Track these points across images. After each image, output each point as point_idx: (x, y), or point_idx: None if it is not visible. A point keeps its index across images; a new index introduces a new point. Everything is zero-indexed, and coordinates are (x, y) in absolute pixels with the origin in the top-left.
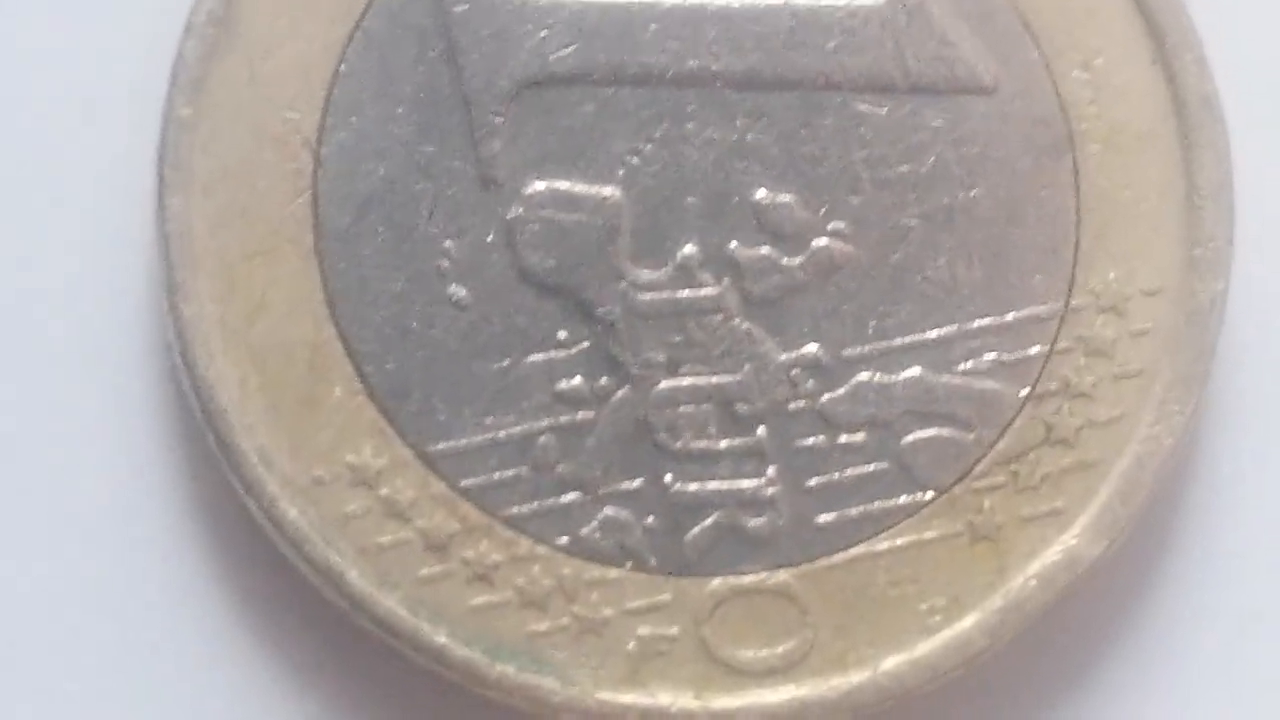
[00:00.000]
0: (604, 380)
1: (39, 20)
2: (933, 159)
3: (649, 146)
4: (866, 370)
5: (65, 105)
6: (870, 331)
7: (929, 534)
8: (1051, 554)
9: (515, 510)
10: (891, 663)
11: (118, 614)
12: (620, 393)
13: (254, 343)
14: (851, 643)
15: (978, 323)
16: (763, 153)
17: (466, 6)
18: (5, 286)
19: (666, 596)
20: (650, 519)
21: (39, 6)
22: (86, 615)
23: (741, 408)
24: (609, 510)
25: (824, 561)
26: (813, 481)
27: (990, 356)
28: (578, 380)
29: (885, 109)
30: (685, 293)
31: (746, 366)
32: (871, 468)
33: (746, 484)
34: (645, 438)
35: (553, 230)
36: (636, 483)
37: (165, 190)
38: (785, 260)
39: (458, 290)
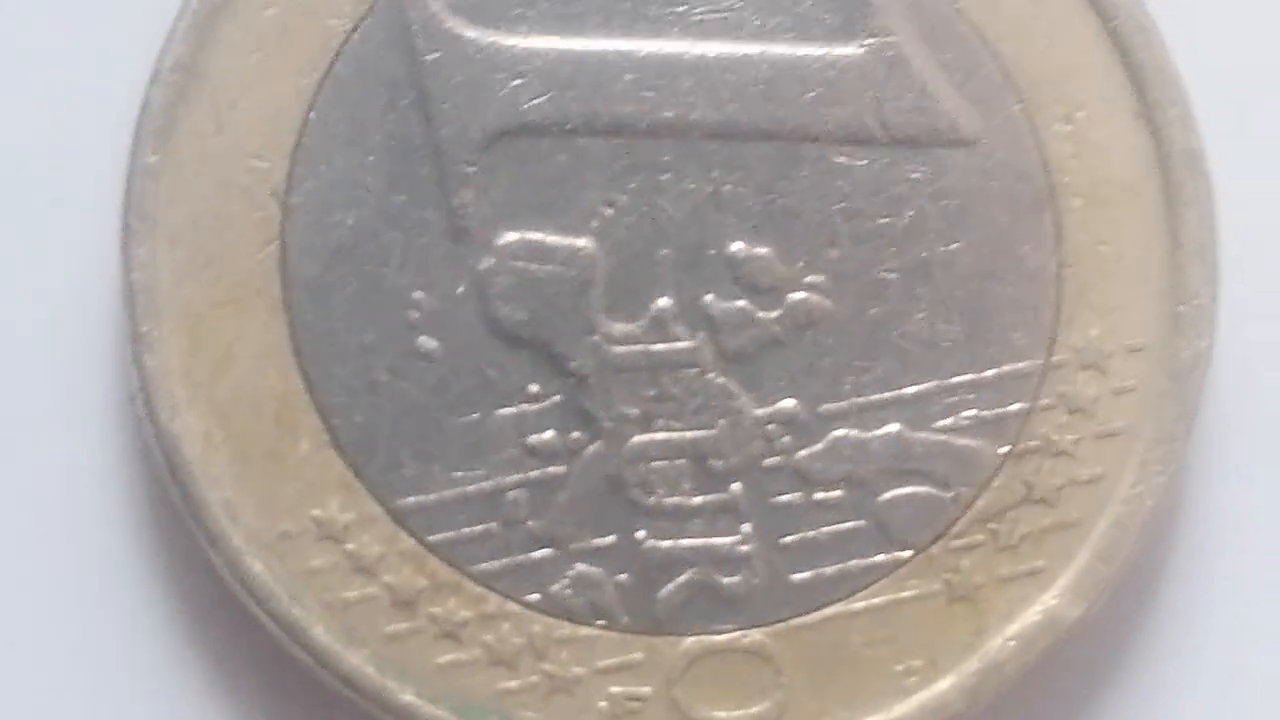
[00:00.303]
0: (576, 434)
1: (3, 66)
2: (912, 212)
3: (623, 197)
4: (843, 426)
5: (31, 152)
6: (847, 387)
7: (905, 593)
8: (1031, 615)
9: (485, 566)
10: None
11: (80, 668)
12: (592, 447)
13: (220, 395)
14: (826, 704)
15: (957, 379)
16: (739, 204)
17: (438, 54)
18: None
19: (638, 655)
20: (622, 576)
21: (3, 52)
22: (49, 669)
23: (716, 463)
24: (580, 567)
25: (799, 621)
26: (788, 539)
27: (969, 413)
28: (549, 434)
29: (864, 161)
30: (659, 346)
31: (721, 421)
32: (848, 525)
33: (720, 541)
34: (618, 493)
35: (525, 282)
36: (609, 539)
37: (130, 239)
38: (761, 314)
39: (428, 342)
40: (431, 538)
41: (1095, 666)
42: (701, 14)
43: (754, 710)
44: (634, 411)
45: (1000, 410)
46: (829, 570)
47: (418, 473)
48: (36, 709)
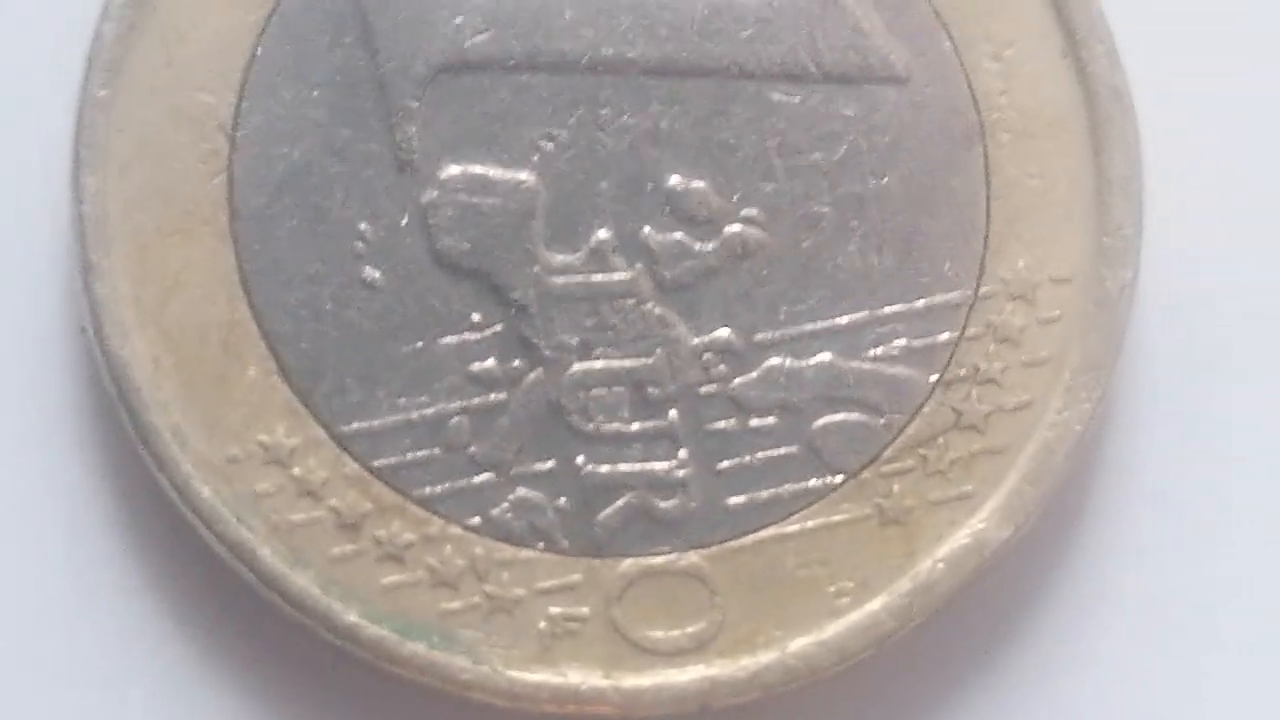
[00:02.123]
0: (517, 363)
1: None
2: (845, 147)
3: (563, 132)
4: (778, 355)
5: None
6: (782, 317)
7: (838, 517)
8: (960, 537)
9: (427, 490)
10: (800, 644)
11: (29, 592)
12: (533, 375)
13: (168, 322)
14: (760, 624)
15: (888, 309)
16: (677, 139)
17: None
18: None
19: (577, 577)
20: (562, 500)
21: None
22: None
23: (653, 391)
24: (521, 491)
25: (734, 543)
26: (723, 464)
27: (900, 343)
28: (490, 362)
29: (799, 97)
30: (598, 277)
31: (659, 350)
32: (782, 451)
33: (658, 466)
34: (558, 420)
35: (467, 214)
36: (548, 464)
37: (81, 170)
38: (698, 246)
39: (372, 272)
40: (376, 462)
41: (1023, 588)
42: None
43: (690, 630)
44: (573, 340)
45: (930, 339)
46: (763, 494)
47: (362, 399)
48: None
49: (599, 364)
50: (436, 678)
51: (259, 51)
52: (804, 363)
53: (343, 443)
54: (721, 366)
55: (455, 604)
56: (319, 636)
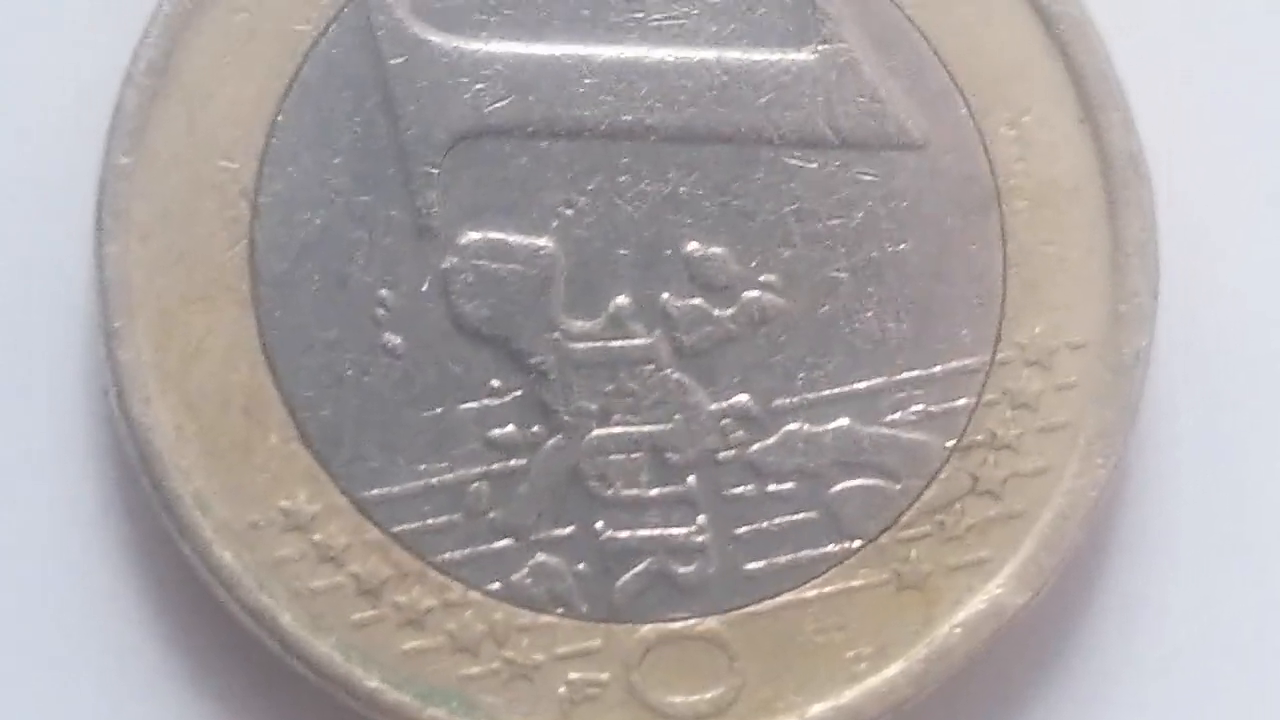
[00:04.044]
0: (536, 428)
1: None
2: (862, 213)
3: (583, 199)
4: (795, 421)
5: (7, 154)
6: (799, 383)
7: (856, 582)
8: (977, 603)
9: (448, 556)
10: (818, 710)
11: (51, 658)
12: (552, 441)
13: (190, 388)
14: (779, 689)
15: (905, 375)
16: (695, 205)
17: (403, 59)
18: None
19: (597, 642)
20: (581, 565)
21: None
22: (19, 659)
23: (672, 457)
24: (541, 557)
25: (752, 609)
26: (742, 530)
27: (917, 408)
28: (510, 428)
29: (816, 163)
30: (617, 343)
31: (677, 416)
32: (800, 517)
33: (677, 532)
34: (577, 485)
35: (487, 280)
36: (568, 530)
37: (104, 237)
38: (716, 312)
39: (392, 338)
40: (396, 528)
41: (1040, 653)
42: (659, 21)
43: (709, 696)
44: (593, 406)
45: (947, 405)
46: (782, 560)
47: (383, 465)
48: (5, 697)
49: (618, 430)
50: None
51: (280, 118)
52: (822, 428)
53: (363, 509)
54: (740, 432)
55: (475, 669)
56: (340, 702)
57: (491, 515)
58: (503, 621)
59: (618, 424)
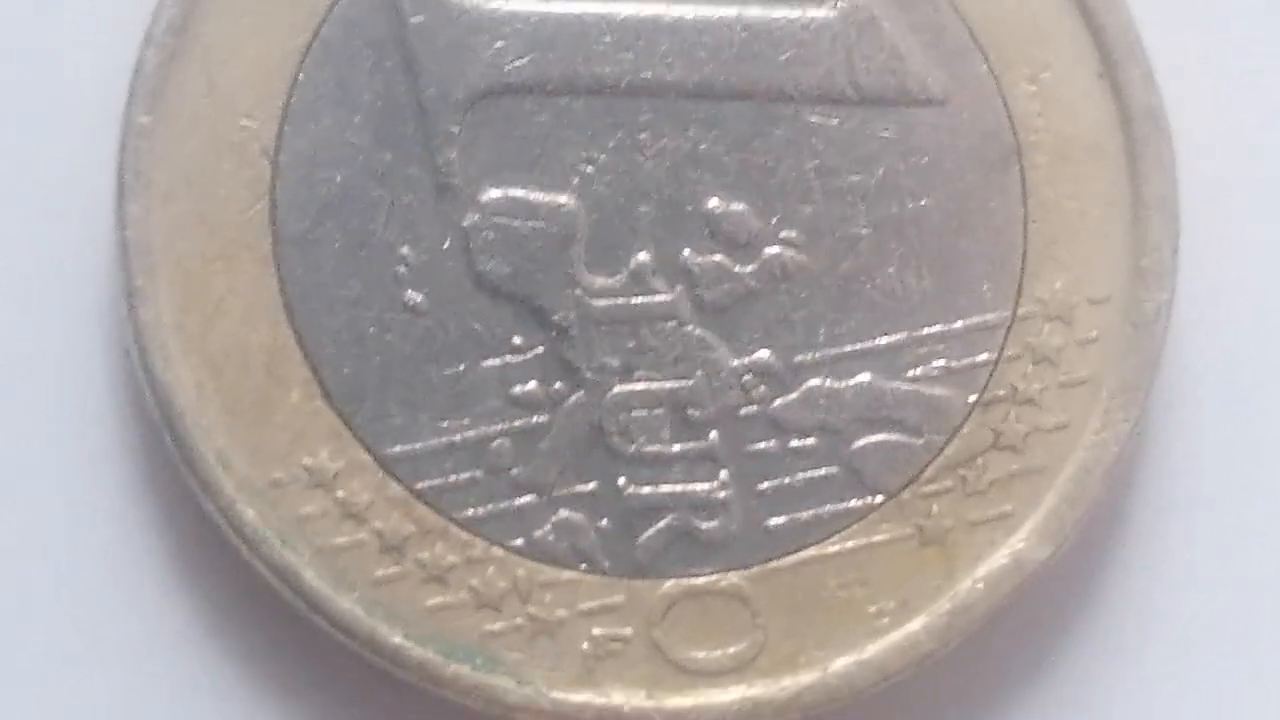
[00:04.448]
0: (558, 385)
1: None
2: (882, 170)
3: (603, 156)
4: (817, 376)
5: (26, 113)
6: (821, 338)
7: (878, 537)
8: (999, 558)
9: (470, 513)
10: (840, 664)
11: (75, 615)
12: (574, 397)
13: (211, 347)
14: (801, 644)
15: (927, 330)
16: (715, 162)
17: (423, 17)
18: None
19: (619, 598)
20: (604, 522)
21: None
22: (42, 615)
23: (694, 413)
24: (563, 513)
25: (775, 564)
26: (764, 485)
27: (939, 363)
28: (532, 385)
29: (836, 120)
30: (639, 299)
31: (699, 372)
32: (822, 472)
33: (699, 488)
34: (599, 442)
35: (508, 237)
36: (590, 486)
37: (124, 197)
38: (737, 268)
39: (414, 296)
40: (419, 485)
41: (1062, 608)
42: None
43: (732, 651)
44: (614, 362)
45: (969, 360)
46: (804, 515)
47: (405, 422)
48: (30, 655)
49: (640, 386)
50: (481, 699)
51: (301, 77)
52: (843, 384)
53: (386, 466)
54: (761, 388)
55: (498, 625)
56: (363, 659)
57: (514, 472)
58: (525, 578)
59: (639, 380)
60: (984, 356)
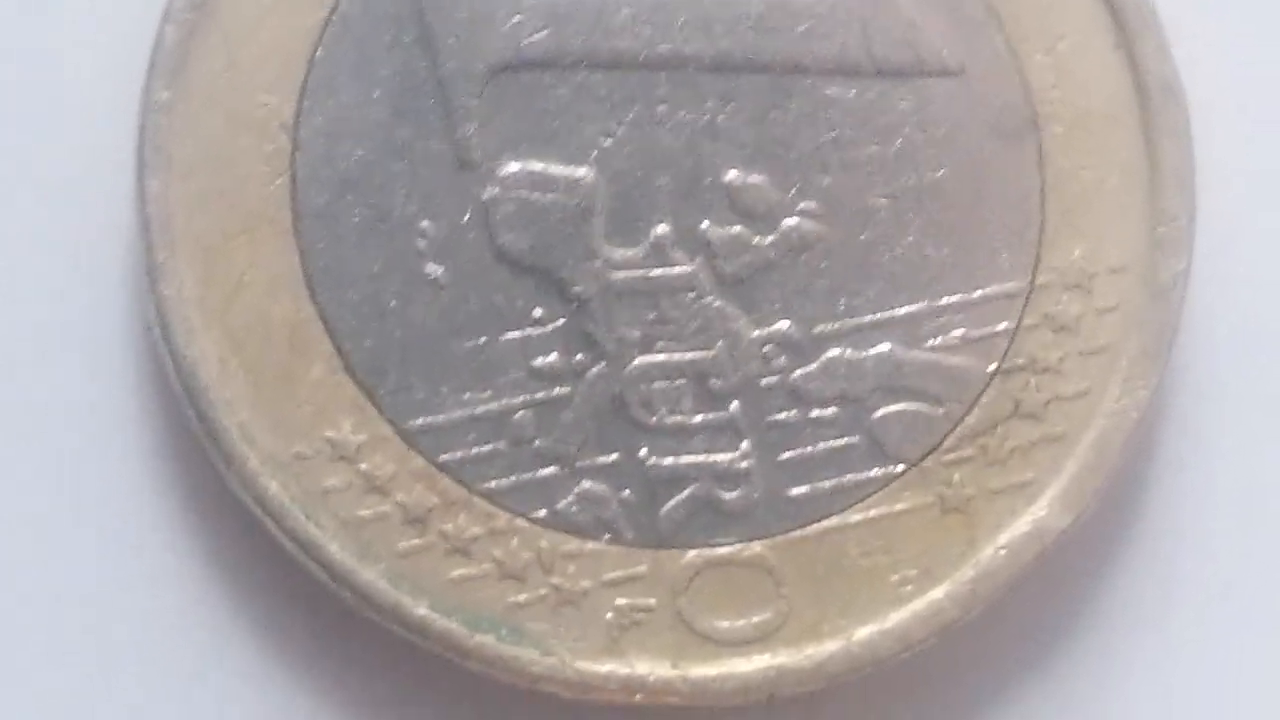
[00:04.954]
0: (579, 357)
1: (19, 6)
2: (900, 141)
3: (621, 129)
4: (837, 346)
5: (46, 90)
6: (840, 308)
7: (900, 506)
8: (1021, 525)
9: (493, 484)
10: (864, 633)
11: (99, 589)
12: (596, 369)
13: (234, 322)
14: (824, 613)
15: (946, 300)
16: (733, 134)
17: None
18: None
19: (643, 568)
20: (626, 492)
21: None
22: (67, 589)
23: (715, 383)
24: (586, 484)
25: (797, 533)
26: (785, 455)
27: (958, 333)
28: (554, 357)
29: (853, 92)
30: (659, 271)
31: (719, 343)
32: (843, 441)
33: (721, 458)
34: (621, 413)
35: (528, 210)
36: (612, 457)
37: (145, 173)
38: (756, 239)
39: (434, 269)
40: (442, 457)
41: (1083, 574)
42: None
43: (755, 620)
44: (635, 334)
45: (988, 329)
46: (826, 484)
47: (427, 395)
48: (54, 629)
49: (660, 357)
50: (506, 670)
51: (319, 53)
52: (863, 354)
53: (408, 438)
54: (782, 358)
55: (522, 596)
56: (388, 631)
57: (536, 443)
58: (549, 548)
59: (660, 351)
60: (1003, 325)
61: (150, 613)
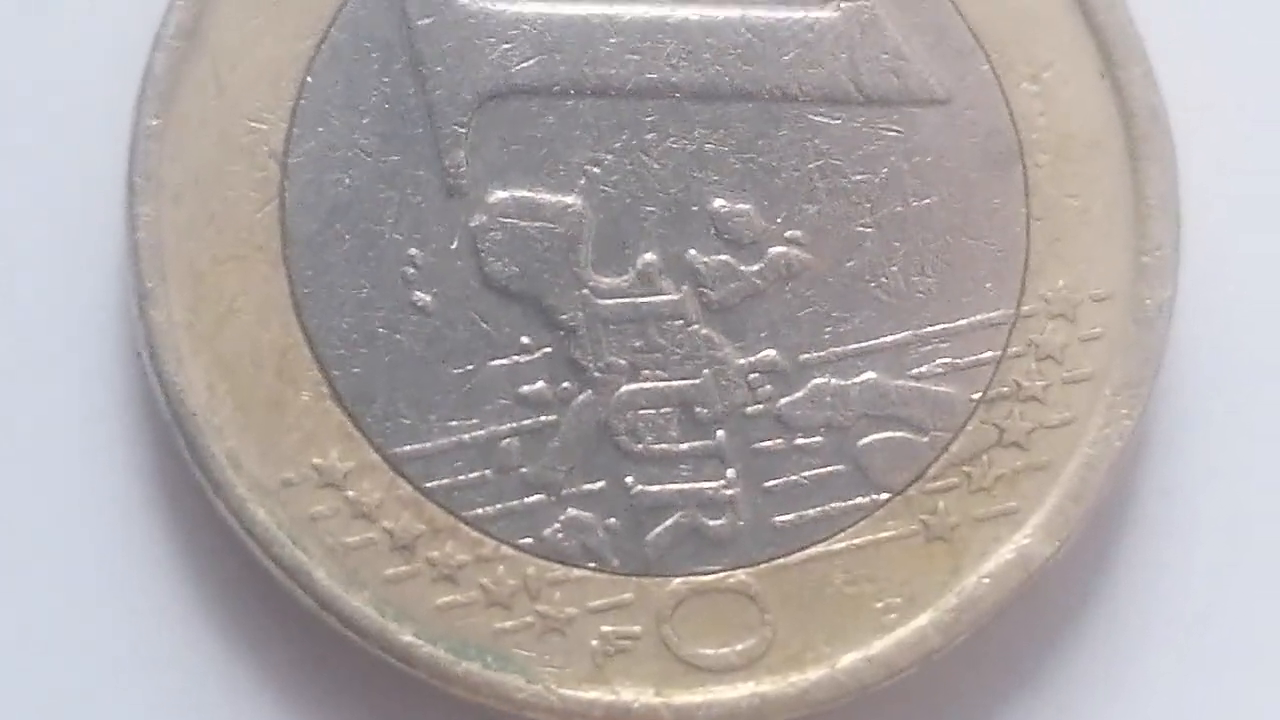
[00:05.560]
0: (566, 384)
1: (8, 33)
2: (886, 169)
3: (609, 156)
4: (823, 375)
5: (37, 116)
6: (826, 337)
7: (884, 534)
8: (1004, 553)
9: (480, 511)
10: (848, 660)
11: (85, 614)
12: (582, 396)
13: (222, 348)
14: (809, 640)
15: (931, 328)
16: (721, 162)
17: (430, 20)
18: None
19: (628, 595)
20: (612, 520)
21: (9, 20)
22: (53, 614)
23: (701, 411)
24: (572, 511)
25: (782, 561)
26: (771, 483)
27: (943, 361)
28: (540, 384)
29: (840, 120)
30: (646, 299)
31: (706, 371)
32: (828, 469)
33: (706, 485)
34: (607, 440)
35: (515, 238)
36: (598, 484)
37: (135, 199)
38: (743, 267)
39: (422, 296)
40: (429, 484)
41: (1067, 602)
42: None
43: (740, 647)
44: (622, 362)
45: (973, 358)
46: (810, 512)
47: (414, 422)
48: (41, 651)
49: (647, 385)
50: (491, 697)
51: (309, 80)
52: (849, 382)
53: (396, 465)
54: (768, 386)
55: (508, 623)
56: (374, 657)
57: (523, 471)
58: (535, 576)
59: (647, 379)
60: (988, 354)
61: (137, 637)
